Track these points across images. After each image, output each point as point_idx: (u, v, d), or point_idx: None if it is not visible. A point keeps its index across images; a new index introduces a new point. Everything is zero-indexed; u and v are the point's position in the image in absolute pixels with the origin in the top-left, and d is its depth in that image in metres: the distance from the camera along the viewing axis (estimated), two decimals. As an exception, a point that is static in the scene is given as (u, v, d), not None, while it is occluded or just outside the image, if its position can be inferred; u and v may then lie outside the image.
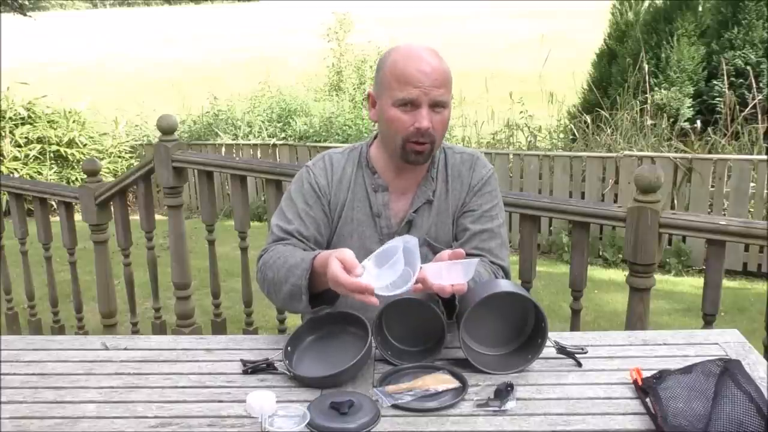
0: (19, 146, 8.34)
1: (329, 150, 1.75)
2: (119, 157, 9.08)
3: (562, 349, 1.45)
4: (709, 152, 6.02)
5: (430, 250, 1.65)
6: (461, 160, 1.70)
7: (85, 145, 8.68)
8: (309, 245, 1.64)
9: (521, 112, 7.40)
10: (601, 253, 5.85)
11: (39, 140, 8.45)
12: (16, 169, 8.09)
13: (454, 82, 1.65)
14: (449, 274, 1.37)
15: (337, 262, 1.36)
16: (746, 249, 5.28)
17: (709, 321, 2.18)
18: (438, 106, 1.54)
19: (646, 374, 1.33)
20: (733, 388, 1.22)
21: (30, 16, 9.08)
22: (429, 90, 1.52)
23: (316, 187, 1.67)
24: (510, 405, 1.28)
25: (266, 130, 8.71)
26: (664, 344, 1.53)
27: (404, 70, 1.53)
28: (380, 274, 1.35)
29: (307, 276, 1.48)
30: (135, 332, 3.49)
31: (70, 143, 8.61)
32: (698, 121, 6.55)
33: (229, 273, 4.55)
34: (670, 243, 5.61)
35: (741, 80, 6.61)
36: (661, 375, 1.31)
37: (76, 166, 8.48)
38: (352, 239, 1.65)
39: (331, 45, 10.12)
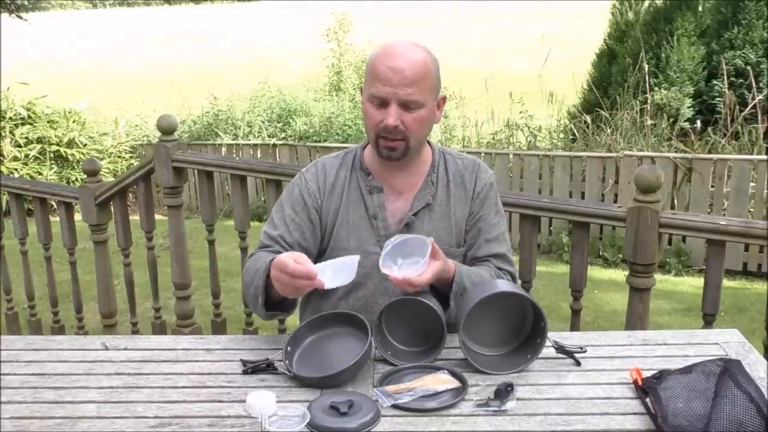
0: (19, 146, 8.34)
1: (323, 156, 1.77)
2: (119, 157, 9.08)
3: (561, 349, 1.45)
4: (709, 152, 6.02)
5: None
6: (463, 166, 1.71)
7: (85, 145, 8.68)
8: (292, 251, 1.63)
9: (521, 112, 7.40)
10: (601, 253, 5.85)
11: (39, 140, 8.45)
12: (16, 169, 8.09)
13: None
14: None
15: (289, 255, 1.43)
16: (746, 249, 5.28)
17: (709, 321, 2.18)
18: (409, 104, 1.54)
19: (646, 374, 1.33)
20: (733, 388, 1.22)
21: (25, 20, 9.06)
22: (397, 88, 1.52)
23: (306, 193, 1.68)
24: (510, 405, 1.28)
25: (266, 130, 8.71)
26: (664, 344, 1.53)
27: (377, 68, 1.54)
28: (333, 277, 1.45)
29: (264, 276, 1.51)
30: (135, 332, 3.49)
31: (70, 143, 8.61)
32: (698, 121, 6.55)
33: (229, 273, 4.55)
34: (670, 243, 5.61)
35: (741, 80, 6.61)
36: (661, 375, 1.31)
37: (76, 166, 8.48)
38: (350, 242, 1.66)
39: (331, 45, 10.12)
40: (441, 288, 1.56)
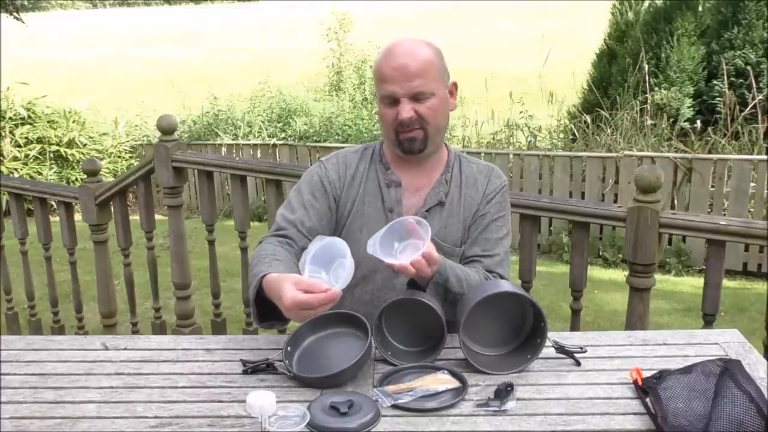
0: (19, 146, 8.34)
1: (344, 148, 1.79)
2: (119, 157, 9.08)
3: (560, 349, 1.45)
4: (709, 152, 6.02)
5: (437, 250, 1.65)
6: (477, 170, 1.73)
7: (85, 145, 8.68)
8: (307, 237, 1.64)
9: (521, 112, 7.40)
10: (601, 253, 5.84)
11: (39, 140, 8.45)
12: (16, 169, 8.09)
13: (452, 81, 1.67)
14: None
15: (292, 288, 1.34)
16: (746, 249, 5.28)
17: (709, 321, 2.18)
18: (419, 96, 1.58)
19: (646, 374, 1.33)
20: (733, 388, 1.22)
21: (23, 21, 9.05)
22: (404, 84, 1.56)
23: (326, 181, 1.70)
24: (510, 405, 1.28)
25: (266, 130, 8.71)
26: (664, 344, 1.53)
27: (381, 70, 1.60)
28: (328, 279, 1.41)
29: (254, 293, 1.48)
30: (135, 332, 3.49)
31: (70, 143, 8.61)
32: (698, 121, 6.55)
33: (229, 273, 4.55)
34: (670, 243, 5.61)
35: (741, 80, 6.61)
36: (661, 375, 1.31)
37: (76, 166, 8.48)
38: (362, 234, 1.66)
39: (331, 45, 10.12)
40: (419, 279, 1.52)
